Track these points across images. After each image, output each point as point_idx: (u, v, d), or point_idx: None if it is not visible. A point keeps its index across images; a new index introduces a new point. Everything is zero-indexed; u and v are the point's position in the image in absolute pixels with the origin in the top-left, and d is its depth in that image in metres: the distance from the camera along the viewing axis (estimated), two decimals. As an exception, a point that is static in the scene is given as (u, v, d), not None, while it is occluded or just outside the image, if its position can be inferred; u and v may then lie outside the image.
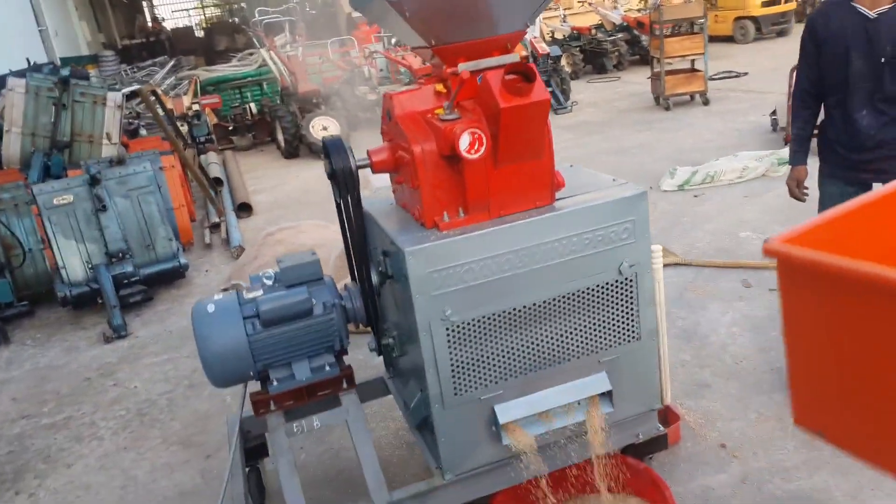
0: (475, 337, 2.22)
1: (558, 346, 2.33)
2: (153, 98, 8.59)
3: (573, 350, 2.35)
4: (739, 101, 10.53)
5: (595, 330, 2.35)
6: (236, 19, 27.11)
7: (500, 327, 2.24)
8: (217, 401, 3.84)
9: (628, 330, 2.39)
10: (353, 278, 2.63)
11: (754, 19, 17.60)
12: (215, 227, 7.25)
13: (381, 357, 2.83)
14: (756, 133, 8.18)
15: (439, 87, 2.29)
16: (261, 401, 2.38)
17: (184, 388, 4.03)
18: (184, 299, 5.45)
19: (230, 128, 12.61)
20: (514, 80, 2.03)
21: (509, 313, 2.23)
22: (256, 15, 13.22)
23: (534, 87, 2.03)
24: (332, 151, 2.32)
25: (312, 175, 9.80)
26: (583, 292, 2.29)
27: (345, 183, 2.33)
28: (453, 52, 2.21)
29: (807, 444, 2.80)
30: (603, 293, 2.32)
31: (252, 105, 12.61)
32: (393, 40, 12.88)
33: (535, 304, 2.25)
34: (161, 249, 5.51)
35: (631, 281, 2.34)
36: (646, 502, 2.44)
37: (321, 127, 10.98)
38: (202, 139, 10.90)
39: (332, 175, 2.38)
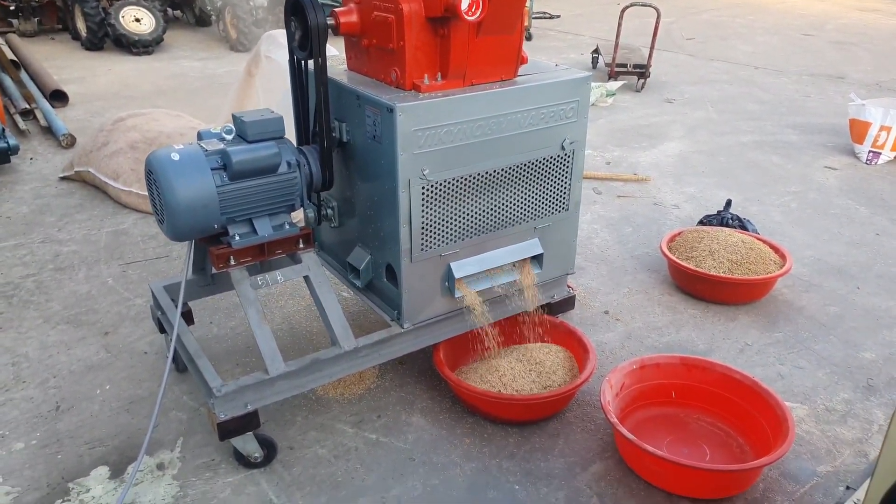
0: (444, 197, 2.41)
1: (507, 212, 2.60)
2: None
3: (517, 216, 2.64)
4: (557, 40, 11.40)
5: (536, 199, 2.66)
6: None
7: (466, 190, 2.45)
8: (97, 282, 3.57)
9: (561, 201, 2.74)
10: (299, 144, 2.66)
11: (561, -31, 18.77)
12: (26, 114, 6.37)
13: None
14: (578, 68, 9.01)
15: (419, -47, 2.36)
16: (221, 255, 2.36)
17: (51, 272, 3.68)
18: (13, 186, 4.82)
19: (11, 8, 10.80)
20: (505, -46, 2.19)
21: (474, 177, 2.45)
22: None
23: (523, -37, 2.22)
24: (307, 5, 2.30)
25: (128, 69, 8.89)
26: (532, 163, 2.58)
27: (318, 41, 2.33)
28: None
29: (670, 309, 3.43)
30: (547, 166, 2.63)
31: (42, -17, 10.89)
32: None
33: (495, 171, 2.49)
34: (-18, 127, 4.78)
35: (569, 157, 2.67)
36: (564, 348, 2.85)
37: (133, 18, 9.91)
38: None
39: (302, 32, 2.37)
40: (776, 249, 3.59)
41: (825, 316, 3.36)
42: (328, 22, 2.37)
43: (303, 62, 2.52)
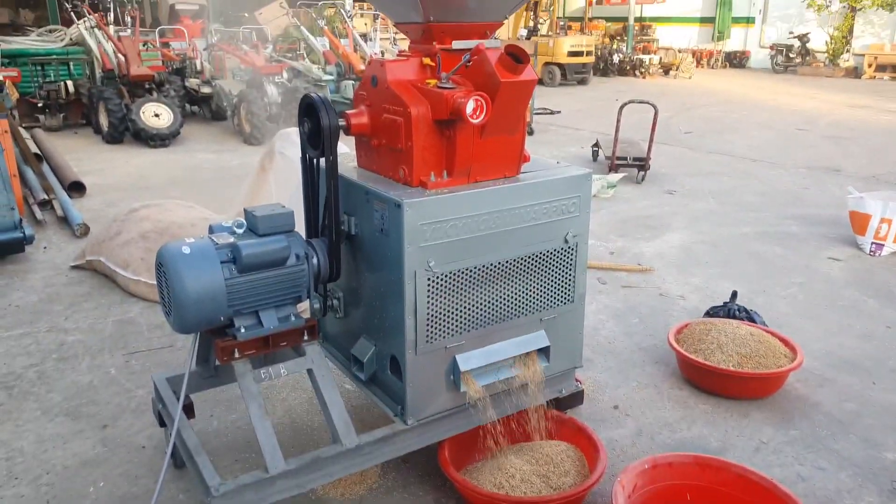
0: (450, 289, 2.43)
1: (513, 303, 2.61)
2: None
3: (523, 308, 2.64)
4: (558, 135, 11.77)
5: (542, 291, 2.67)
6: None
7: (471, 282, 2.47)
8: (100, 373, 3.54)
9: (566, 293, 2.75)
10: (308, 237, 2.70)
11: (561, 66, 19.65)
12: (44, 204, 6.53)
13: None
14: (579, 161, 9.24)
15: (426, 60, 2.48)
16: (226, 348, 2.35)
17: (54, 362, 3.65)
18: (25, 275, 4.87)
19: (39, 105, 11.29)
20: (509, 60, 2.30)
21: (479, 269, 2.47)
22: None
23: (526, 68, 2.33)
24: (319, 108, 2.40)
25: (145, 161, 9.17)
26: (536, 256, 2.61)
27: (329, 141, 2.41)
28: (444, 30, 2.45)
29: (681, 404, 3.36)
30: (551, 258, 2.65)
31: (69, 84, 11.42)
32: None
33: (500, 263, 2.52)
34: (1, 219, 4.89)
35: (573, 249, 2.70)
36: (573, 446, 2.78)
37: (153, 114, 10.31)
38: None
39: (315, 132, 2.46)
40: (786, 342, 3.55)
41: (842, 412, 3.28)
42: (340, 123, 2.46)
43: (314, 160, 2.60)
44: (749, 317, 3.91)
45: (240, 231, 2.43)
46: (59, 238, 5.75)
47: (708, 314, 4.06)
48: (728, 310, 3.99)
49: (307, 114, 2.50)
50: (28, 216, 6.11)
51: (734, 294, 4.10)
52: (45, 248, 5.47)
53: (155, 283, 4.40)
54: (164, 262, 2.27)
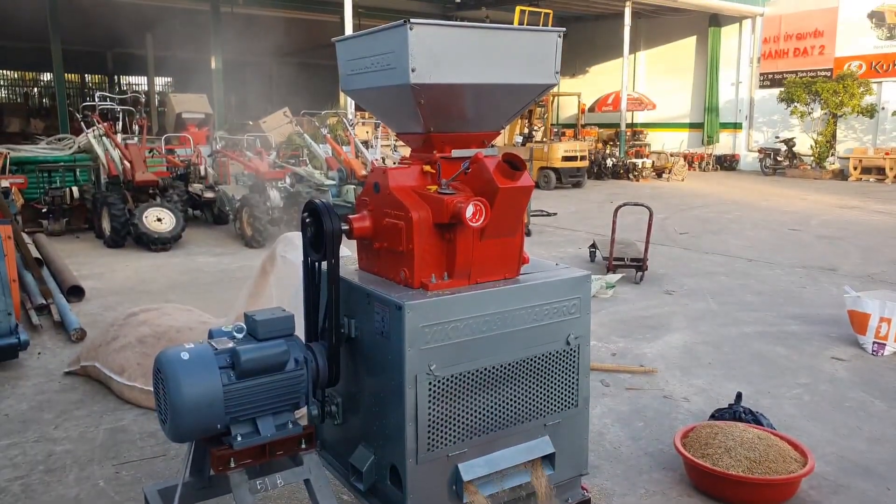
0: (452, 393, 2.39)
1: (516, 408, 2.56)
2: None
3: (527, 413, 2.59)
4: (555, 236, 11.94)
5: (545, 395, 2.63)
6: (45, 102, 25.19)
7: (473, 385, 2.44)
8: (87, 485, 3.41)
9: (570, 397, 2.70)
10: (308, 341, 2.69)
11: (556, 170, 20.23)
12: (41, 309, 6.51)
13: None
14: (576, 262, 9.33)
15: (427, 167, 2.57)
16: (222, 457, 2.28)
17: (40, 474, 3.52)
18: (17, 381, 4.78)
19: (43, 210, 11.53)
20: (506, 167, 2.39)
21: (482, 372, 2.45)
22: (94, 99, 12.56)
23: (522, 175, 2.40)
24: (323, 213, 2.46)
25: (145, 265, 9.24)
26: (539, 358, 2.59)
27: (332, 244, 2.46)
28: (444, 140, 2.55)
29: (691, 511, 3.23)
30: (554, 361, 2.63)
31: (74, 189, 11.71)
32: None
33: (503, 366, 2.49)
34: (-4, 323, 4.87)
35: (575, 351, 2.69)
36: (581, 559, 2.65)
37: (155, 218, 10.50)
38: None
39: (317, 236, 2.50)
40: (795, 446, 3.46)
41: (858, 520, 3.15)
42: (342, 227, 2.51)
43: (316, 263, 2.63)
44: (755, 419, 3.82)
45: (239, 335, 2.42)
46: (54, 343, 5.70)
47: (713, 417, 3.97)
48: (734, 412, 3.90)
49: (310, 218, 2.56)
50: (24, 321, 6.08)
51: (739, 396, 4.03)
52: (39, 353, 5.41)
53: (149, 389, 4.34)
54: (162, 369, 2.25)
